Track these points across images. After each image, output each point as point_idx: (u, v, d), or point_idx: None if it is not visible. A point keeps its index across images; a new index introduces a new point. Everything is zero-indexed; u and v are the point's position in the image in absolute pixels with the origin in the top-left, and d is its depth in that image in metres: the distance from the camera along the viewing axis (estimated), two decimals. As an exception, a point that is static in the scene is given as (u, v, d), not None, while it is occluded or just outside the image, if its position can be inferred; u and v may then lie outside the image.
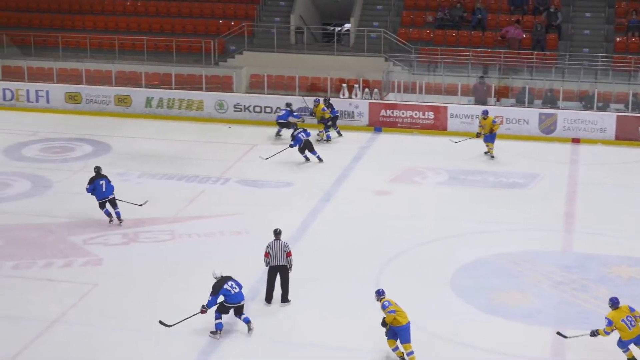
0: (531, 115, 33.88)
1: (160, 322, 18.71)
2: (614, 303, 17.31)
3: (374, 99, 35.47)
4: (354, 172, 29.87)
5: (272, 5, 41.23)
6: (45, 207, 26.28)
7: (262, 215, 25.55)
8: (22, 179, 28.68)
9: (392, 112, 34.53)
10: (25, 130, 33.91)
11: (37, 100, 36.80)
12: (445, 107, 34.35)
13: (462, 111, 34.14)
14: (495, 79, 36.18)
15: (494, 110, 33.05)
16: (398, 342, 17.61)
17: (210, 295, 18.69)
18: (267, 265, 19.94)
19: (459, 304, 20.30)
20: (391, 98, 36.07)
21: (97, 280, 21.49)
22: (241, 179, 28.78)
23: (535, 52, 37.06)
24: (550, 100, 35.31)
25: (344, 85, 36.12)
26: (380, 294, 17.86)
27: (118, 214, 24.89)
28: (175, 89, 36.45)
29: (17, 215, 25.65)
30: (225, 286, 18.82)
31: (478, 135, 30.78)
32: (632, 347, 17.28)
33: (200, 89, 36.35)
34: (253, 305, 19.88)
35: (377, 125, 34.55)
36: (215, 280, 18.83)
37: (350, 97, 35.57)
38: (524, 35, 38.08)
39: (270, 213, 25.72)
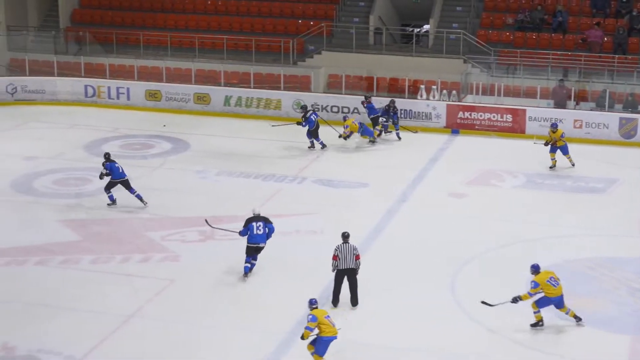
0: (611, 119, 33.36)
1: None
2: (536, 269, 18.76)
3: (452, 101, 35.25)
4: (431, 173, 29.70)
5: (352, 6, 41.21)
6: (124, 203, 26.54)
7: (338, 215, 25.54)
8: (102, 175, 29.08)
9: (470, 114, 34.29)
10: (106, 127, 34.36)
11: (118, 97, 37.23)
12: (524, 110, 33.99)
13: (540, 114, 33.75)
14: (575, 83, 35.67)
15: (573, 114, 32.64)
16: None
17: (243, 227, 21.34)
18: (334, 269, 19.83)
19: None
20: (469, 100, 35.80)
21: (174, 277, 21.67)
22: (317, 179, 28.81)
23: (617, 56, 36.49)
24: (631, 104, 34.73)
25: (422, 86, 35.95)
26: (311, 303, 17.42)
27: (139, 196, 26.04)
28: (254, 88, 36.61)
29: (96, 211, 25.99)
30: (253, 223, 21.29)
31: (546, 143, 30.18)
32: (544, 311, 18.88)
33: (278, 88, 36.46)
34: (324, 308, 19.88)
35: (455, 127, 34.34)
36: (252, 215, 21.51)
37: (428, 99, 35.40)
38: (605, 39, 37.53)
39: (346, 213, 25.72)
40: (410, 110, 34.54)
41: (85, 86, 37.64)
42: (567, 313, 18.90)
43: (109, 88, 37.44)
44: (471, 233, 24.33)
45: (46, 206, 26.31)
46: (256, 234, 21.29)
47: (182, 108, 36.60)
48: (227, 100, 36.35)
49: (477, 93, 36.02)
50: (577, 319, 18.97)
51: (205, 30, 40.75)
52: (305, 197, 27.30)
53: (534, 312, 18.91)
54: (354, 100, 35.16)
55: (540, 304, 18.82)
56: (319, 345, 17.27)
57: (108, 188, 25.99)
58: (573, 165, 29.86)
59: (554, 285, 18.64)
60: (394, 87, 36.77)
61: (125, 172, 25.98)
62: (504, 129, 33.94)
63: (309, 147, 31.35)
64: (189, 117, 35.94)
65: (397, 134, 33.03)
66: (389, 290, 20.80)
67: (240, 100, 36.25)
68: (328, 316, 17.40)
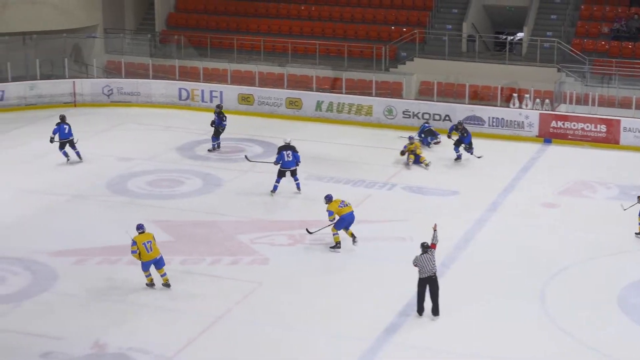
0: None
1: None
2: (329, 199, 23.53)
3: (545, 110, 34.86)
4: (522, 183, 29.40)
5: (445, 13, 41.05)
6: (215, 205, 26.84)
7: (427, 223, 25.29)
8: (194, 177, 29.39)
9: (563, 124, 33.85)
10: (198, 130, 34.69)
11: (211, 101, 37.58)
12: (619, 121, 33.44)
13: (636, 125, 33.15)
14: (672, 94, 35.01)
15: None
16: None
17: (276, 154, 27.43)
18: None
19: (626, 321, 19.73)
20: (562, 109, 35.35)
21: (262, 279, 21.82)
22: (407, 186, 28.73)
23: None
24: None
25: (515, 95, 35.63)
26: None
27: (78, 153, 30.40)
28: (345, 93, 36.66)
29: (187, 212, 26.31)
30: (284, 152, 27.29)
31: None
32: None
33: (370, 94, 36.45)
34: (409, 320, 19.84)
35: (547, 136, 33.93)
36: (282, 145, 27.38)
37: (520, 107, 35.06)
38: None
39: (435, 221, 25.52)
40: (502, 118, 34.25)
41: (180, 89, 38.11)
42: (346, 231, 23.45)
43: (202, 91, 37.85)
44: (562, 244, 24.05)
45: (139, 207, 26.71)
46: (287, 160, 27.37)
47: (274, 112, 36.82)
48: (318, 105, 36.45)
49: (570, 102, 35.54)
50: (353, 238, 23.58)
51: (298, 36, 40.96)
52: (395, 203, 27.25)
53: (333, 234, 23.36)
54: (446, 108, 35.00)
55: (337, 226, 23.29)
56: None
57: (60, 148, 30.16)
58: None
59: (341, 205, 23.31)
60: (487, 95, 36.47)
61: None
62: (598, 139, 33.43)
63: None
64: (281, 121, 36.13)
65: (471, 153, 31.07)
66: (475, 300, 20.65)
67: (332, 105, 36.32)
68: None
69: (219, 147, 32.07)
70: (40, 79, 38.31)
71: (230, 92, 37.54)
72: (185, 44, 41.06)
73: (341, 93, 36.71)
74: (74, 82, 38.24)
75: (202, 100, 37.80)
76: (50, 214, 25.96)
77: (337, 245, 23.34)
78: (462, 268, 22.42)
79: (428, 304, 19.77)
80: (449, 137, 31.78)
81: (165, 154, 31.70)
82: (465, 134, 30.76)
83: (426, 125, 33.16)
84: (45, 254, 23.08)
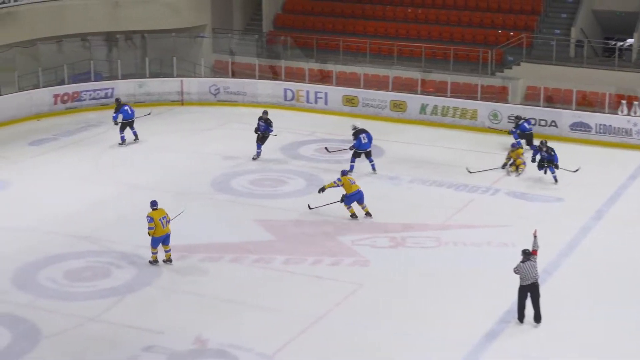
0: None
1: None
2: (344, 173, 26.05)
3: (654, 118, 34.12)
4: (629, 191, 28.80)
5: (553, 17, 40.45)
6: (318, 208, 26.91)
7: (530, 229, 24.98)
8: (297, 177, 29.55)
9: (673, 132, 33.10)
10: (302, 130, 34.90)
11: (315, 102, 37.74)
12: None
13: None
14: None
15: None
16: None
17: (354, 140, 29.40)
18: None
19: None
20: (672, 117, 34.56)
21: (363, 281, 21.83)
22: (511, 191, 28.41)
23: None
24: None
25: (623, 102, 34.90)
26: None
27: (135, 133, 32.90)
28: (450, 96, 36.41)
29: (290, 212, 26.45)
30: (361, 135, 29.29)
31: None
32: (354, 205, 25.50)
33: (475, 98, 36.13)
34: (509, 326, 19.62)
35: (656, 144, 33.21)
36: (355, 130, 29.64)
37: (629, 114, 34.33)
38: None
39: (539, 227, 25.18)
40: (609, 125, 33.63)
41: (285, 89, 38.33)
42: (363, 209, 25.63)
43: (307, 92, 38.01)
44: (669, 254, 23.54)
45: (243, 205, 26.97)
46: (364, 142, 29.33)
47: (379, 114, 36.77)
48: (423, 108, 36.31)
49: (680, 110, 34.71)
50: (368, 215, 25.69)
51: (404, 38, 40.82)
52: (498, 209, 26.97)
53: (347, 208, 25.65)
54: (552, 113, 34.52)
55: (347, 202, 25.56)
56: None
57: (121, 130, 32.52)
58: None
59: (352, 183, 25.63)
60: (595, 102, 35.81)
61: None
62: None
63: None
64: (385, 123, 36.05)
65: (554, 177, 29.07)
66: (578, 308, 20.35)
67: (436, 108, 36.14)
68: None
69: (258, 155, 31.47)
70: (149, 77, 38.94)
71: (335, 94, 37.61)
72: (292, 45, 41.24)
73: (446, 96, 36.47)
74: (181, 80, 38.79)
75: (307, 101, 37.95)
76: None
77: (352, 216, 25.76)
78: (565, 275, 22.10)
79: (529, 311, 19.54)
80: (534, 160, 29.27)
81: (269, 154, 31.89)
82: (552, 153, 29.01)
83: (525, 125, 32.62)
84: (150, 249, 23.44)
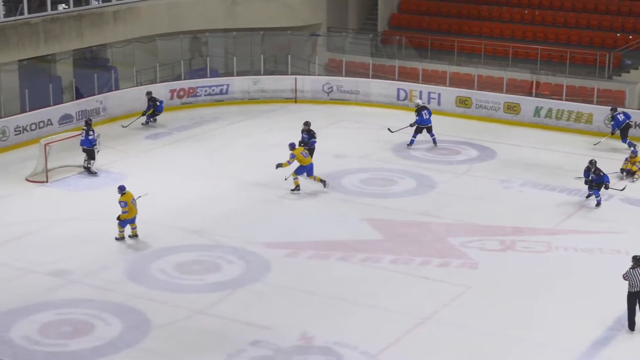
0: None
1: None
2: (293, 146, 27.15)
3: None
4: None
5: (675, 20, 39.54)
6: (427, 207, 26.82)
7: (645, 237, 24.66)
8: (408, 177, 29.45)
9: None
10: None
11: (428, 102, 37.43)
12: None
13: None
14: None
15: None
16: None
17: (416, 116, 31.96)
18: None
19: None
20: None
21: (471, 283, 21.68)
22: (625, 197, 27.80)
23: None
24: None
25: None
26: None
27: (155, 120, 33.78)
28: (566, 100, 35.83)
29: (399, 212, 26.40)
30: (423, 112, 31.91)
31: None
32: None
33: (591, 102, 35.50)
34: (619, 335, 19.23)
35: None
36: (418, 107, 32.20)
37: None
38: None
39: (654, 234, 24.81)
40: None
41: (398, 89, 38.23)
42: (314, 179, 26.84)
43: (420, 92, 37.83)
44: None
45: (353, 204, 27.01)
46: (425, 118, 32.05)
47: (492, 116, 36.41)
48: (537, 111, 35.82)
49: None
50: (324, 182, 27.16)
51: (520, 40, 40.34)
52: (612, 215, 26.41)
53: (293, 179, 26.75)
54: (671, 119, 33.79)
55: (297, 171, 26.69)
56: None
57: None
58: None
59: (305, 156, 26.77)
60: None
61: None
62: None
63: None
64: (498, 125, 35.68)
65: (598, 201, 27.01)
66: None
67: (551, 112, 35.60)
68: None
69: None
70: (264, 75, 39.29)
71: (448, 94, 37.38)
72: (406, 45, 41.12)
73: (561, 99, 35.91)
74: (295, 78, 39.01)
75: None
76: (267, 205, 26.57)
77: (296, 188, 27.30)
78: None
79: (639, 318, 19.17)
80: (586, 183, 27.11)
81: (380, 153, 31.90)
82: (601, 174, 26.81)
83: (619, 117, 32.09)
84: (260, 245, 23.68)
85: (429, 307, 20.44)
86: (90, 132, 28.98)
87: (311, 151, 28.88)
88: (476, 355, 18.56)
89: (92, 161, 28.97)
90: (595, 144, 31.10)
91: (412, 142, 32.29)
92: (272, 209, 26.33)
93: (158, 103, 34.30)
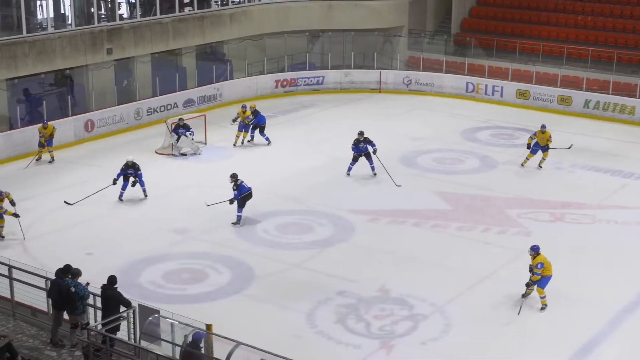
0: None
1: None
2: (537, 250, 18.37)
3: None
4: None
5: None
6: (490, 183, 26.55)
7: (678, 213, 24.05)
8: (473, 158, 29.16)
9: None
10: (480, 118, 34.38)
11: (492, 94, 37.08)
12: None
13: None
14: None
15: None
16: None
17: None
18: None
19: None
20: None
21: (525, 248, 21.24)
22: (662, 178, 27.17)
23: None
24: None
25: None
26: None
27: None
28: (612, 94, 35.05)
29: (466, 187, 26.17)
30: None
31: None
32: None
33: (634, 96, 34.66)
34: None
35: None
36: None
37: None
38: None
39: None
40: None
41: (467, 83, 37.82)
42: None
43: (486, 86, 37.39)
44: None
45: (426, 179, 26.87)
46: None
47: (547, 107, 35.81)
48: (586, 103, 35.12)
49: None
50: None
51: (573, 42, 39.51)
52: (649, 193, 25.84)
53: (541, 298, 18.39)
54: None
55: (542, 284, 18.36)
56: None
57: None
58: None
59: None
60: None
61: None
62: None
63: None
64: (552, 115, 35.05)
65: None
66: None
67: (599, 104, 34.87)
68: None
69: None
70: (354, 69, 39.20)
71: (509, 88, 36.86)
72: (475, 45, 40.61)
73: (608, 94, 35.12)
74: (380, 72, 38.84)
75: (485, 94, 37.32)
76: (353, 179, 26.56)
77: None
78: None
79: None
80: None
81: (450, 136, 31.62)
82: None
83: None
84: (346, 211, 23.72)
85: (489, 268, 20.28)
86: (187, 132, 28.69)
87: (367, 155, 26.46)
88: (526, 307, 18.36)
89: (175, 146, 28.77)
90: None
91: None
92: (357, 182, 26.32)
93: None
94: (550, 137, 27.68)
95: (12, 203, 21.71)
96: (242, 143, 30.04)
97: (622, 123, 33.89)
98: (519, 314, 18.08)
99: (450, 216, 23.71)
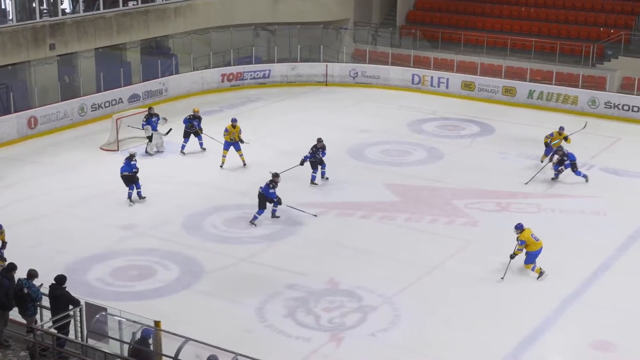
0: None
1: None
2: (520, 228, 19.26)
3: None
4: None
5: (650, 17, 38.97)
6: (436, 174, 26.74)
7: (620, 201, 24.44)
8: (420, 149, 29.34)
9: None
10: (426, 109, 34.61)
11: (438, 86, 37.35)
12: None
13: None
14: None
15: None
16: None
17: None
18: None
19: None
20: None
21: (472, 238, 21.64)
22: (604, 167, 27.59)
23: None
24: None
25: None
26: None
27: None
28: (555, 84, 35.52)
29: (413, 178, 26.33)
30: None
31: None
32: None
33: (576, 86, 35.15)
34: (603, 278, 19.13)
35: None
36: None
37: None
38: None
39: (628, 199, 24.56)
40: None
41: (413, 75, 38.02)
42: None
43: (431, 77, 37.61)
44: None
45: (374, 171, 26.97)
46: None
47: (492, 98, 36.17)
48: (530, 93, 35.54)
49: None
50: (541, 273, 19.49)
51: (517, 33, 39.93)
52: (593, 182, 26.15)
53: (532, 269, 19.36)
54: (644, 101, 33.41)
55: (528, 261, 19.40)
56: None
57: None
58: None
59: (535, 239, 19.31)
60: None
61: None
62: None
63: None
64: (497, 105, 35.43)
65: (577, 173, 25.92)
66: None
67: (542, 94, 35.32)
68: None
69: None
70: (300, 62, 39.17)
71: (454, 79, 37.15)
72: (420, 37, 40.81)
73: (551, 84, 35.58)
74: (326, 65, 38.86)
75: (431, 85, 37.55)
76: (299, 171, 26.51)
77: (542, 274, 19.65)
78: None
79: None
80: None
81: (397, 128, 31.78)
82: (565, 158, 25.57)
83: None
84: (294, 204, 23.70)
85: (437, 258, 20.44)
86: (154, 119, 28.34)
87: (321, 162, 25.78)
88: (475, 297, 18.57)
89: (149, 143, 28.54)
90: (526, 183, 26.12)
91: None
92: (303, 175, 26.25)
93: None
94: (566, 138, 26.85)
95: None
96: (245, 164, 27.21)
97: (565, 113, 34.35)
98: (502, 278, 18.94)
99: (398, 208, 23.83)
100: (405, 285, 19.08)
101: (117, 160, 27.35)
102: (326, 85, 38.57)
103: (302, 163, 25.54)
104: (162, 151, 28.43)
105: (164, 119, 28.77)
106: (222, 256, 20.57)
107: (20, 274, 15.43)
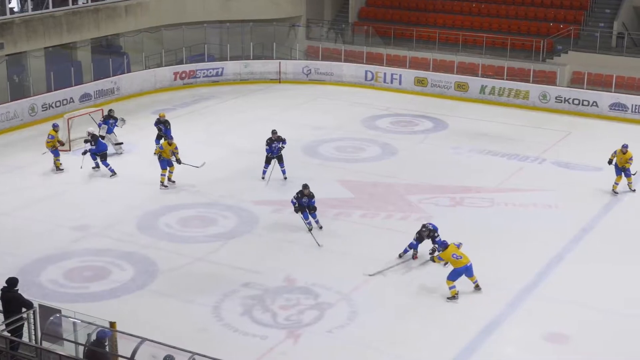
0: None
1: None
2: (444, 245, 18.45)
3: (682, 98, 33.10)
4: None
5: (598, 12, 39.48)
6: (391, 170, 26.87)
7: (572, 194, 24.78)
8: (374, 145, 29.46)
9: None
10: (380, 106, 34.75)
11: (391, 82, 37.53)
12: None
13: None
14: None
15: None
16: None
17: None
18: None
19: None
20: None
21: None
22: (556, 161, 27.95)
23: None
24: None
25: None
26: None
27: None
28: (507, 79, 35.88)
29: (368, 175, 26.43)
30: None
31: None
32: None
33: (527, 81, 35.55)
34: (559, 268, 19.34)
35: (685, 123, 32.26)
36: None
37: (662, 97, 33.39)
38: None
39: (580, 192, 24.90)
40: (642, 105, 32.97)
41: (366, 71, 38.14)
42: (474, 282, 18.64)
43: (385, 74, 37.77)
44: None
45: (328, 168, 27.01)
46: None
47: (444, 93, 36.43)
48: (482, 89, 35.85)
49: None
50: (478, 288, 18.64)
51: (468, 29, 40.27)
52: (544, 175, 26.54)
53: (450, 288, 18.34)
54: (594, 95, 33.76)
55: (451, 277, 18.34)
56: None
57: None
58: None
59: (457, 258, 18.26)
60: (631, 86, 34.97)
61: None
62: None
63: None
64: (449, 101, 35.71)
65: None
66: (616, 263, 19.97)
67: (494, 89, 35.65)
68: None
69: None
70: (253, 59, 39.10)
71: (407, 75, 37.34)
72: (373, 34, 40.95)
73: (503, 79, 35.93)
74: (279, 62, 38.83)
75: (384, 82, 37.72)
76: (256, 170, 26.47)
77: (454, 297, 18.53)
78: (600, 233, 21.81)
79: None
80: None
81: (351, 125, 31.87)
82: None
83: None
84: (250, 202, 23.70)
85: (392, 254, 20.51)
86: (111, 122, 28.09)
87: (279, 158, 25.56)
88: (431, 291, 18.69)
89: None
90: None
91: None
92: (260, 173, 26.22)
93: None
94: (630, 159, 24.64)
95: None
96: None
97: (517, 107, 34.74)
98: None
99: (353, 204, 23.90)
100: (361, 282, 19.15)
101: (70, 160, 27.09)
102: (279, 82, 38.55)
103: (268, 161, 25.51)
104: (120, 152, 28.20)
105: (122, 119, 28.54)
106: (177, 255, 20.47)
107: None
